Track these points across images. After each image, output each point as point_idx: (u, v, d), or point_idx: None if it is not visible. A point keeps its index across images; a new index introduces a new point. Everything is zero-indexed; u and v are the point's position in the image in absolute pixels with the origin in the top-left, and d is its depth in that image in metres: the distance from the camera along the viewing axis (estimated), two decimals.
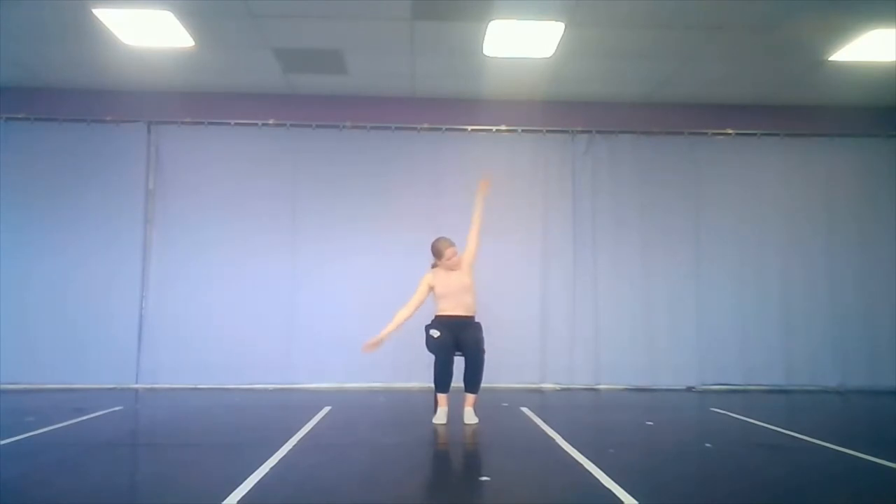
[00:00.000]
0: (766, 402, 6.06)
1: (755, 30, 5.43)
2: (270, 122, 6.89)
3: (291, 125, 6.91)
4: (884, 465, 3.51)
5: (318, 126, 6.92)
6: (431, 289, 4.85)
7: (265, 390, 6.45)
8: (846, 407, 6.03)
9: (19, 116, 6.71)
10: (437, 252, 4.88)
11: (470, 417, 4.64)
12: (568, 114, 7.05)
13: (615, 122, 7.05)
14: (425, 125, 6.94)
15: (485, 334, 4.74)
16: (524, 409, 5.30)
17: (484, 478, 3.27)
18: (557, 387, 6.74)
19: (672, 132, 7.05)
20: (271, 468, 3.31)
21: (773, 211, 7.03)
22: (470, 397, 4.70)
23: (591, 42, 5.67)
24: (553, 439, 4.12)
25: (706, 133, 7.08)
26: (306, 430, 4.34)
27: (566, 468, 3.42)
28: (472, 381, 4.66)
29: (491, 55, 5.87)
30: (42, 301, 6.53)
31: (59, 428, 4.37)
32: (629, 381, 6.77)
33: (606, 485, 3.05)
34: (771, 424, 4.72)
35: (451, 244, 4.88)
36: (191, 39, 5.64)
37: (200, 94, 6.90)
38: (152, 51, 5.88)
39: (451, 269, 4.85)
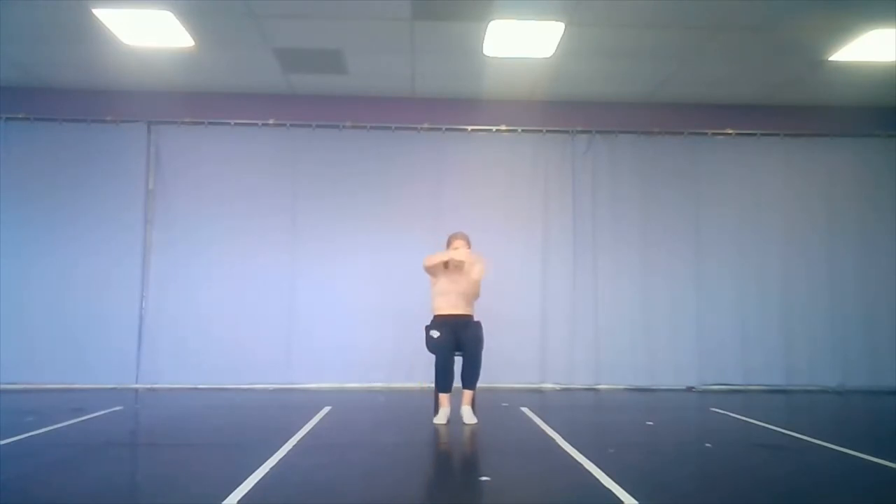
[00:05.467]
0: (766, 402, 6.06)
1: (755, 30, 5.43)
2: (270, 122, 6.89)
3: (291, 125, 6.91)
4: (884, 465, 3.51)
5: (318, 126, 6.92)
6: (434, 277, 4.84)
7: (265, 390, 6.45)
8: (846, 407, 6.03)
9: (19, 116, 6.71)
10: (448, 242, 4.89)
11: (469, 417, 4.62)
12: (568, 114, 7.05)
13: (615, 122, 7.05)
14: (425, 125, 6.94)
15: (485, 334, 4.73)
16: (524, 409, 5.30)
17: (484, 478, 3.27)
18: (557, 387, 6.73)
19: (672, 132, 7.05)
20: (271, 468, 3.31)
21: (773, 211, 7.03)
22: (467, 394, 4.68)
23: (591, 42, 5.67)
24: (553, 439, 4.12)
25: (706, 133, 7.08)
26: (306, 430, 4.33)
27: (566, 468, 3.42)
28: (470, 376, 4.65)
29: (491, 55, 5.87)
30: (42, 301, 6.53)
31: (59, 428, 4.37)
32: (629, 381, 6.77)
33: (606, 485, 3.05)
34: (771, 424, 4.72)
35: (462, 237, 4.87)
36: (191, 39, 5.64)
37: (200, 94, 6.90)
38: (152, 51, 5.88)
39: (457, 266, 4.83)
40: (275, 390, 6.46)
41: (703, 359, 6.81)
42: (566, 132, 7.05)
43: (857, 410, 5.89)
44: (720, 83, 6.58)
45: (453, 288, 4.78)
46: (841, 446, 3.95)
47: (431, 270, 4.86)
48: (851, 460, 3.66)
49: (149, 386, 6.52)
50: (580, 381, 6.77)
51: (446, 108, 6.99)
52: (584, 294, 6.87)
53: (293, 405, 5.68)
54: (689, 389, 6.74)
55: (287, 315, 6.70)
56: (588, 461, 3.49)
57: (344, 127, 6.92)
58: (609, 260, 6.92)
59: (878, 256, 6.96)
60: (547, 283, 6.87)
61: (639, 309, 6.86)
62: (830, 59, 5.90)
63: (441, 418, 4.61)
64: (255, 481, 3.06)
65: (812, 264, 6.96)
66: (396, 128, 6.93)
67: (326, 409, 5.20)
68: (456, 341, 4.66)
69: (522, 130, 7.00)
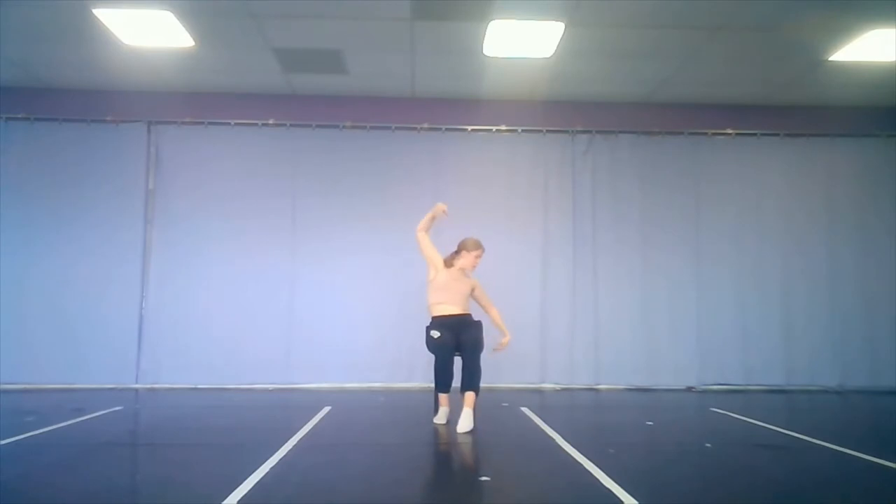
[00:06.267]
0: (766, 402, 6.06)
1: (755, 30, 5.43)
2: (270, 122, 6.89)
3: (291, 125, 6.91)
4: (884, 465, 3.51)
5: (318, 126, 6.92)
6: (433, 267, 4.77)
7: (265, 390, 6.45)
8: (846, 407, 6.03)
9: (19, 116, 6.71)
10: (464, 245, 4.79)
11: (464, 424, 4.39)
12: (568, 114, 7.05)
13: (615, 122, 7.05)
14: (425, 125, 6.94)
15: (484, 334, 4.71)
16: (524, 409, 5.30)
17: (484, 478, 3.27)
18: (557, 387, 6.73)
19: (672, 132, 7.05)
20: (271, 468, 3.31)
21: (773, 211, 7.03)
22: (469, 396, 4.55)
23: (591, 42, 5.67)
24: (553, 439, 4.12)
25: (706, 133, 7.08)
26: (306, 430, 4.33)
27: (566, 468, 3.42)
28: (468, 380, 4.57)
29: (491, 55, 5.87)
30: (42, 301, 6.52)
31: (59, 428, 4.37)
32: (629, 381, 6.77)
33: (606, 485, 3.05)
34: (771, 424, 4.72)
35: (481, 247, 4.81)
36: (191, 39, 5.64)
37: (200, 94, 6.90)
38: (152, 51, 5.88)
39: (465, 269, 4.81)
40: (275, 390, 6.46)
41: (703, 359, 6.81)
42: (566, 132, 7.05)
43: (857, 410, 5.89)
44: (720, 83, 6.58)
45: (455, 286, 4.73)
46: (841, 446, 3.95)
47: (428, 251, 4.76)
48: (851, 460, 3.66)
49: (148, 386, 6.52)
50: (580, 381, 6.77)
51: (446, 108, 6.99)
52: (584, 294, 6.87)
53: (293, 405, 5.69)
54: (689, 389, 6.74)
55: (287, 315, 6.70)
56: (588, 461, 3.49)
57: (344, 127, 6.92)
58: (609, 260, 6.92)
59: (877, 256, 6.96)
60: (547, 282, 6.87)
61: (639, 309, 6.86)
62: (830, 59, 5.90)
63: (441, 418, 4.60)
64: (255, 481, 3.06)
65: (812, 264, 6.96)
66: (396, 128, 6.93)
67: (326, 410, 5.20)
68: (457, 341, 4.63)
69: (522, 130, 7.01)
